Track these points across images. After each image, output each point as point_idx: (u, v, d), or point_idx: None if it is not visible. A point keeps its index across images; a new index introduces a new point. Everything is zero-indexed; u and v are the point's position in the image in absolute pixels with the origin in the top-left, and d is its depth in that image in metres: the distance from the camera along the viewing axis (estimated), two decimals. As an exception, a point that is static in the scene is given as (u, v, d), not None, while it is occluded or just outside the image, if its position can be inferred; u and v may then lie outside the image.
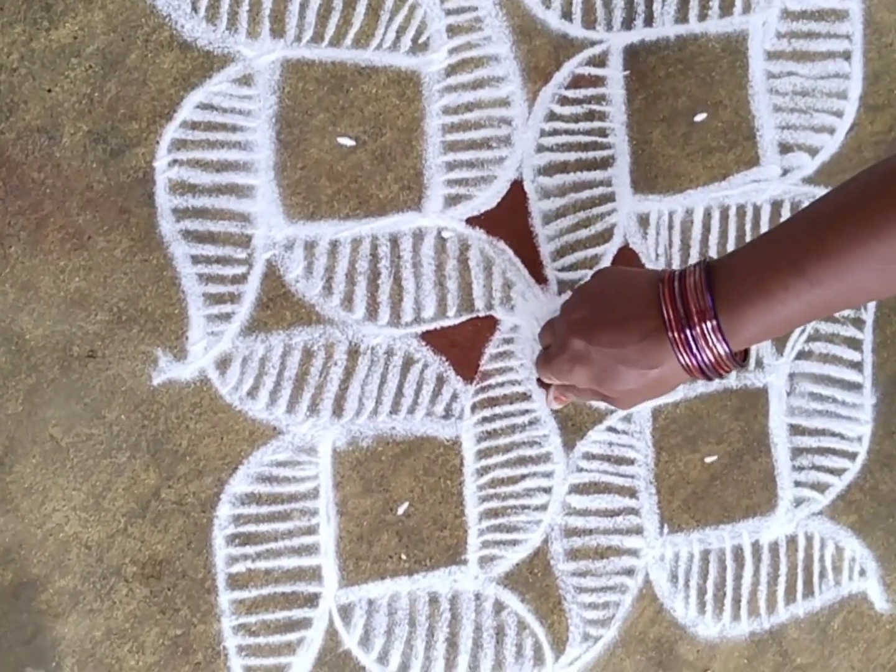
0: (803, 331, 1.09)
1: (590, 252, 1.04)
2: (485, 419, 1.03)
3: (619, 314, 0.80)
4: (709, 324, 0.74)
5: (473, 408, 1.02)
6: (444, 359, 1.01)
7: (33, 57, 0.91)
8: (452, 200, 1.01)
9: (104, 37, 0.93)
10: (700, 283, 0.76)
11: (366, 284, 0.99)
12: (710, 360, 0.76)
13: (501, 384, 1.03)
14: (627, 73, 1.04)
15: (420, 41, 0.99)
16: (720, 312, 0.74)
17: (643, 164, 1.05)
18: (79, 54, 0.92)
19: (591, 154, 1.04)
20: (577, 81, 1.03)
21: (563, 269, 1.03)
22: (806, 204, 1.07)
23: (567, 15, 1.02)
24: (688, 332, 0.75)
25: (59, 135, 0.92)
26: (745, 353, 0.82)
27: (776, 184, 1.07)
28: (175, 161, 0.95)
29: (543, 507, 1.04)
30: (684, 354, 0.77)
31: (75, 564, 0.95)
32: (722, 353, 0.76)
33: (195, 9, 0.94)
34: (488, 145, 1.01)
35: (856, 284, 0.70)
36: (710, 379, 0.79)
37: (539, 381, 1.03)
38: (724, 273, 0.76)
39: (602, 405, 1.05)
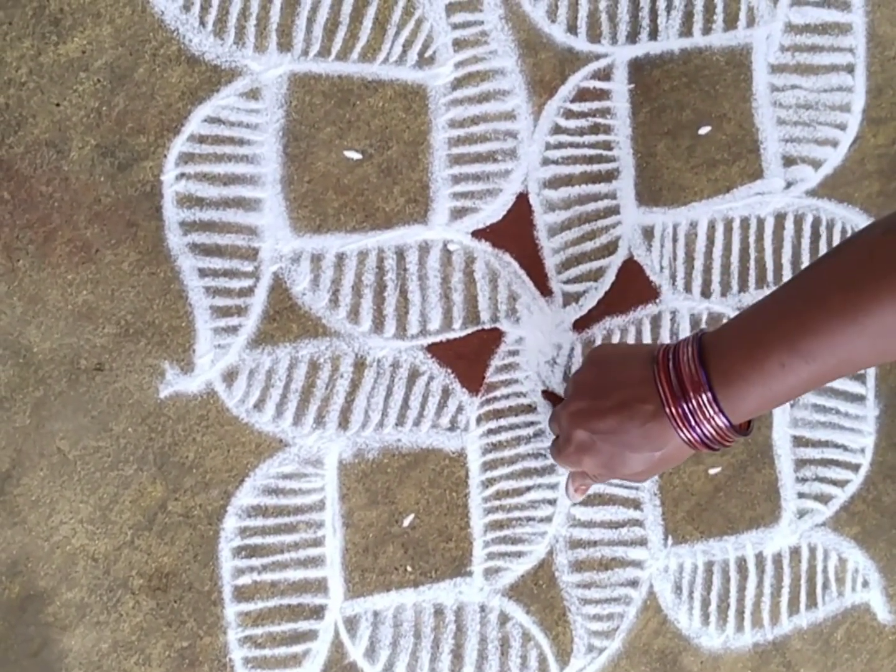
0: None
1: (595, 264, 1.04)
2: (490, 431, 1.03)
3: (617, 400, 0.81)
4: (704, 396, 0.75)
5: (479, 420, 1.03)
6: (449, 371, 1.01)
7: (42, 71, 0.92)
8: (458, 213, 1.01)
9: (112, 51, 0.93)
10: (693, 357, 0.76)
11: (372, 297, 0.99)
12: (710, 433, 0.77)
13: (506, 396, 1.03)
14: (632, 86, 1.04)
15: (426, 55, 0.99)
16: (715, 386, 0.75)
17: (648, 176, 1.05)
18: (87, 68, 0.92)
19: (595, 167, 1.04)
20: (582, 95, 1.03)
21: (568, 282, 1.04)
22: (810, 217, 1.08)
23: (572, 29, 1.03)
24: (684, 406, 0.76)
25: (67, 148, 0.92)
26: (749, 423, 0.82)
27: (780, 196, 1.08)
28: (182, 174, 0.95)
29: (548, 519, 1.05)
30: (684, 430, 0.77)
31: (82, 577, 0.95)
32: (721, 425, 0.76)
33: (203, 23, 0.94)
34: (494, 158, 1.02)
35: (849, 358, 0.70)
36: (715, 450, 0.80)
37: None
38: (717, 349, 0.76)
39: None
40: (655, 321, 1.06)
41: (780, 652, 1.11)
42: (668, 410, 0.77)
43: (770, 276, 1.08)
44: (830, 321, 0.69)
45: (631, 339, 1.06)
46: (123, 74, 0.93)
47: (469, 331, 1.02)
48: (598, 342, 1.05)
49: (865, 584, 1.13)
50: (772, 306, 0.76)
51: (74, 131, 0.93)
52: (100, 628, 0.96)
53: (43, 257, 0.92)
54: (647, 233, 1.05)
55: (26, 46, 0.91)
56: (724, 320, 1.05)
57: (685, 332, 1.06)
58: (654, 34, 1.04)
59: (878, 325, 0.67)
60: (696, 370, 0.75)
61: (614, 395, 0.81)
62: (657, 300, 1.06)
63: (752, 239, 1.07)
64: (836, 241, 1.09)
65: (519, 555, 1.04)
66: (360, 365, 1.00)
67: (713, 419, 0.75)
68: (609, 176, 1.04)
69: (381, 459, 1.01)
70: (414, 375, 1.01)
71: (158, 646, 0.97)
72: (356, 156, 0.99)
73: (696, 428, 0.76)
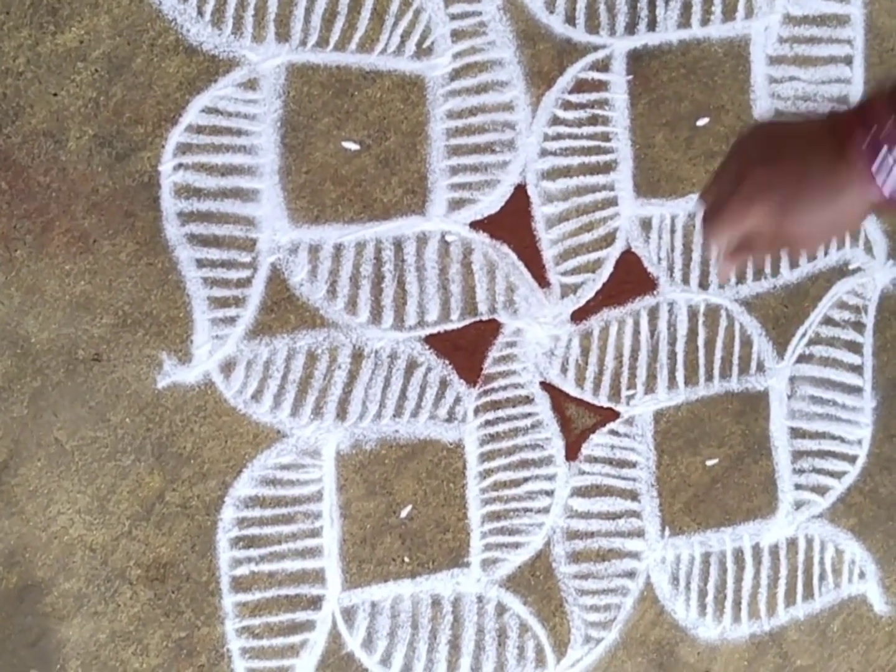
0: (804, 334, 1.09)
1: (592, 256, 1.04)
2: (488, 422, 1.03)
3: (797, 147, 0.75)
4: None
5: (476, 411, 1.03)
6: (447, 362, 1.02)
7: (39, 61, 0.91)
8: (456, 204, 1.01)
9: (110, 41, 0.93)
10: (888, 106, 0.72)
11: (370, 288, 0.99)
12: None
13: (504, 387, 1.03)
14: (630, 77, 1.04)
15: (424, 45, 0.99)
16: None
17: (646, 168, 1.05)
18: (85, 58, 0.92)
19: (594, 158, 1.04)
20: (580, 86, 1.03)
21: (565, 273, 1.04)
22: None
23: (571, 20, 1.02)
24: (883, 152, 0.68)
25: (64, 139, 0.92)
26: None
27: (778, 188, 1.08)
28: (180, 165, 0.95)
29: (545, 510, 1.05)
30: (873, 181, 0.70)
31: (80, 567, 0.95)
32: None
33: (201, 13, 0.94)
34: (492, 149, 1.01)
35: None
36: (892, 209, 0.75)
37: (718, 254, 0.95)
38: None
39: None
40: (653, 312, 1.06)
41: (776, 643, 1.11)
42: (861, 160, 0.69)
43: (767, 268, 1.08)
44: None
45: (628, 331, 1.06)
46: (121, 64, 0.93)
47: (467, 322, 1.02)
48: (596, 334, 1.05)
49: (862, 575, 1.14)
50: None
51: (72, 121, 0.92)
52: (97, 618, 0.96)
53: (41, 247, 0.92)
54: (645, 224, 1.05)
55: (24, 36, 0.91)
56: (722, 312, 1.06)
57: (683, 324, 1.06)
58: (652, 25, 1.04)
59: None
60: (894, 116, 0.71)
61: (792, 144, 0.75)
62: (655, 291, 1.06)
63: (749, 230, 1.07)
64: (834, 232, 1.09)
65: (516, 546, 1.04)
66: (357, 356, 1.00)
67: None
68: (607, 167, 1.04)
69: (378, 450, 1.01)
70: (412, 366, 1.01)
71: (156, 636, 0.97)
72: (354, 146, 0.99)
73: (888, 177, 0.71)
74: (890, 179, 0.70)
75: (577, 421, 1.05)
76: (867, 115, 0.72)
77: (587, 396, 1.05)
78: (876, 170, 0.71)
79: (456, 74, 1.00)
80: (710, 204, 0.81)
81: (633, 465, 1.07)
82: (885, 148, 0.69)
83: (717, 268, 0.93)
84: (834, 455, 1.12)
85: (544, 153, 1.03)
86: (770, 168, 0.74)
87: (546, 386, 1.04)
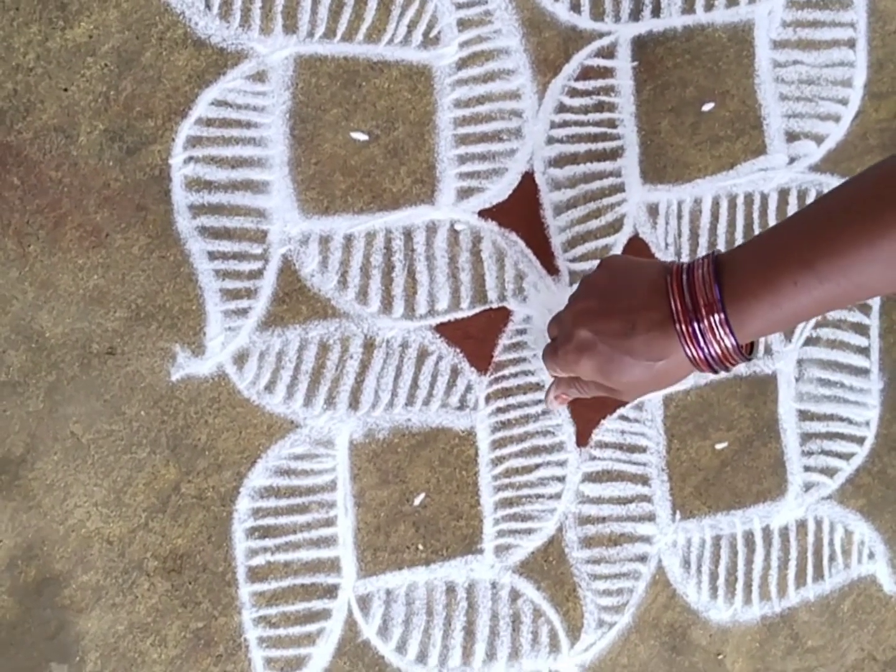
0: (811, 317, 1.10)
1: (600, 242, 1.05)
2: (499, 409, 1.04)
3: (626, 304, 0.80)
4: (716, 317, 0.74)
5: (488, 398, 1.03)
6: (458, 350, 1.02)
7: (49, 56, 0.92)
8: (465, 193, 1.01)
9: (119, 35, 0.93)
10: (708, 275, 0.75)
11: (380, 278, 1.00)
12: (716, 353, 0.76)
13: (515, 375, 1.04)
14: (636, 63, 1.04)
15: (431, 35, 0.99)
16: (728, 305, 0.74)
17: (652, 154, 1.05)
18: (94, 53, 0.93)
19: (600, 145, 1.04)
20: (586, 73, 1.03)
21: (574, 260, 1.04)
22: (813, 192, 1.08)
23: (576, 7, 1.03)
24: (695, 324, 0.75)
25: (75, 133, 0.93)
26: (751, 346, 0.81)
27: (783, 172, 1.08)
28: (191, 158, 0.95)
29: (557, 496, 1.05)
30: (691, 347, 0.76)
31: (97, 560, 0.96)
32: (729, 346, 0.75)
33: (208, 6, 0.95)
34: (499, 138, 1.02)
35: (862, 282, 0.70)
36: (715, 372, 0.79)
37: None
38: (732, 266, 0.75)
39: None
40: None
41: (787, 624, 1.12)
42: (678, 327, 0.76)
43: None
44: (846, 243, 0.68)
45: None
46: (130, 58, 0.93)
47: (477, 310, 1.02)
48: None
49: (871, 555, 1.14)
50: (788, 228, 0.75)
51: (83, 116, 0.93)
52: (116, 610, 0.97)
53: (53, 242, 0.93)
54: (652, 210, 1.06)
55: (33, 32, 0.91)
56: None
57: (691, 308, 1.07)
58: (656, 11, 1.04)
59: (891, 252, 0.67)
60: (711, 289, 0.74)
61: (623, 300, 0.80)
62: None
63: (755, 215, 1.08)
64: (840, 215, 1.09)
65: (529, 532, 1.05)
66: (369, 346, 1.00)
67: (722, 340, 0.75)
68: (614, 154, 1.05)
69: (391, 439, 1.01)
70: (423, 355, 1.01)
71: (174, 627, 0.98)
72: (363, 137, 0.99)
73: (704, 347, 0.75)
74: (703, 346, 0.77)
75: (587, 407, 1.06)
76: (688, 285, 0.77)
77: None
78: (691, 335, 0.77)
79: (463, 63, 1.01)
80: (552, 341, 0.90)
81: (644, 449, 1.07)
82: (699, 321, 0.75)
83: (547, 399, 0.97)
84: (842, 437, 1.12)
85: (551, 141, 1.03)
86: (595, 331, 0.80)
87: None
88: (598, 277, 0.86)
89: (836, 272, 0.70)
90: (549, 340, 1.01)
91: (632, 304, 0.79)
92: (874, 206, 0.69)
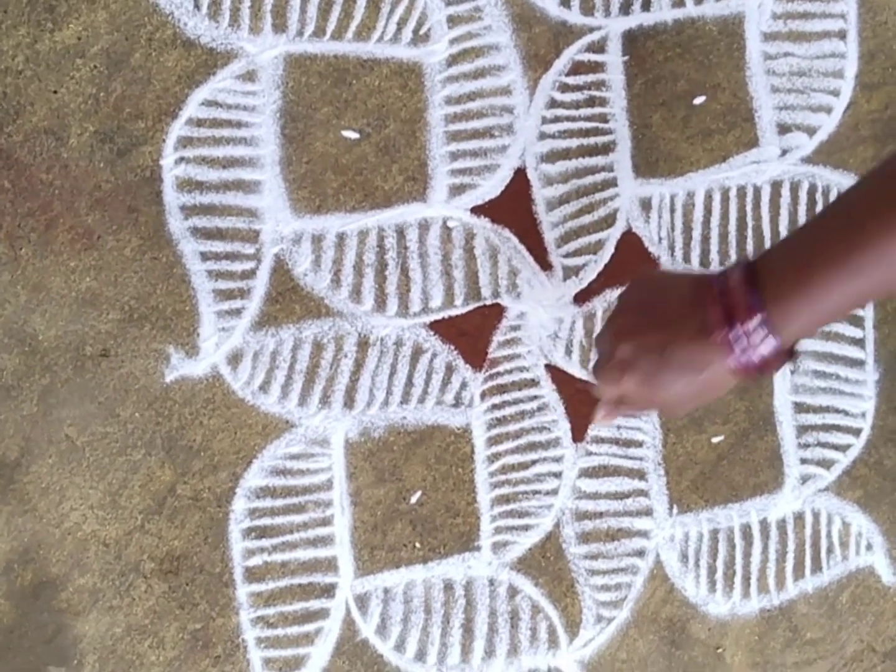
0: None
1: (594, 237, 1.04)
2: (494, 406, 1.03)
3: (664, 318, 0.78)
4: (756, 319, 0.72)
5: (483, 395, 1.03)
6: (452, 348, 1.02)
7: (38, 59, 0.91)
8: (457, 190, 1.01)
9: (108, 37, 0.93)
10: (743, 280, 0.74)
11: (373, 276, 1.00)
12: (759, 357, 0.73)
13: (510, 371, 1.04)
14: (626, 58, 1.04)
15: (421, 32, 0.99)
16: (767, 307, 0.72)
17: (644, 148, 1.05)
18: (83, 55, 0.92)
19: (592, 140, 1.04)
20: (576, 68, 1.03)
21: (567, 255, 1.04)
22: (806, 184, 1.08)
23: (565, 2, 1.03)
24: (735, 330, 0.73)
25: (66, 136, 0.92)
26: (793, 350, 0.80)
27: (775, 164, 1.08)
28: (182, 159, 0.95)
29: (554, 492, 1.05)
30: (732, 356, 0.74)
31: (94, 562, 0.96)
32: (770, 349, 0.73)
33: (197, 6, 0.94)
34: (491, 134, 1.02)
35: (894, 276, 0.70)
36: (757, 378, 0.78)
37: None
38: (767, 269, 0.74)
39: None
40: (655, 291, 1.06)
41: (786, 616, 1.12)
42: (718, 336, 0.73)
43: (768, 244, 1.08)
44: (879, 230, 0.67)
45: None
46: (120, 60, 0.93)
47: (471, 307, 1.02)
48: (599, 315, 1.05)
49: (869, 547, 1.14)
50: (819, 225, 0.74)
51: (73, 118, 0.93)
52: (113, 613, 0.96)
53: (45, 245, 0.92)
54: (645, 204, 1.05)
55: (22, 34, 0.91)
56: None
57: (685, 302, 1.06)
58: (646, 5, 1.04)
59: None
60: (747, 292, 0.73)
61: (661, 314, 0.79)
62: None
63: (748, 207, 1.08)
64: (833, 207, 1.09)
65: (526, 528, 1.05)
66: (363, 344, 1.00)
67: (763, 343, 0.72)
68: (606, 149, 1.04)
69: (386, 437, 1.01)
70: (417, 353, 1.01)
71: (172, 628, 0.98)
72: (354, 135, 0.99)
73: (746, 353, 0.75)
74: (745, 353, 0.74)
75: (583, 402, 1.05)
76: (724, 292, 0.75)
77: (593, 378, 1.05)
78: (732, 342, 0.74)
79: (453, 60, 1.00)
80: (597, 360, 0.87)
81: (640, 444, 1.07)
82: (738, 326, 0.73)
83: (596, 417, 0.96)
84: (838, 428, 1.12)
85: (543, 136, 1.03)
86: (635, 345, 0.79)
87: (551, 368, 1.04)
88: (633, 294, 0.85)
89: (868, 266, 0.69)
90: (545, 335, 1.01)
91: (669, 317, 0.78)
92: None
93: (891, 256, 0.69)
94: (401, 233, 1.00)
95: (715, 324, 0.74)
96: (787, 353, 0.77)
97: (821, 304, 0.72)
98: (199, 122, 0.95)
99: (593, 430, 1.03)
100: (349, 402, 1.00)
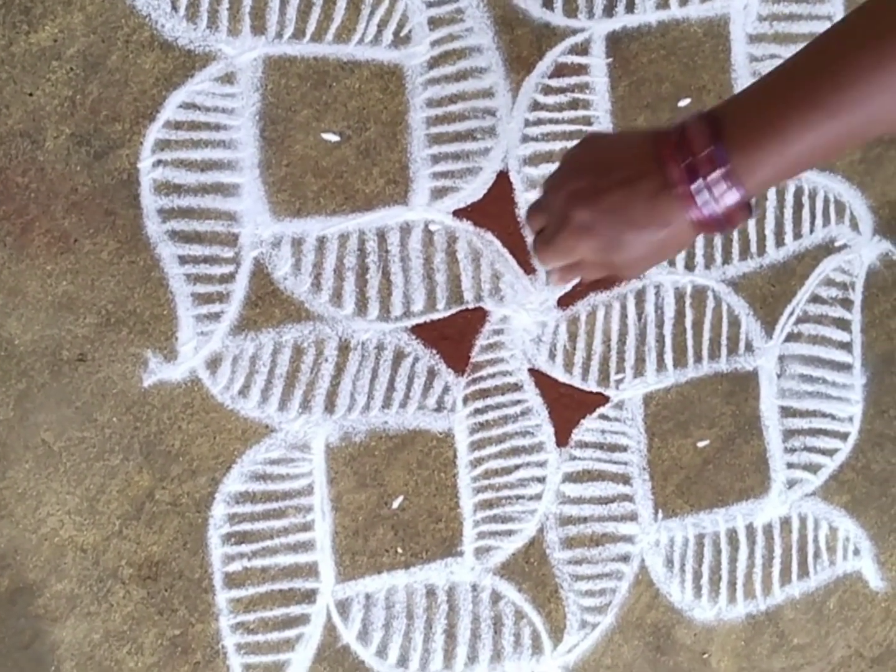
0: (791, 313, 1.09)
1: (577, 241, 1.03)
2: (477, 411, 1.03)
3: (621, 175, 0.73)
4: (719, 171, 0.69)
5: (465, 400, 1.03)
6: (434, 352, 1.01)
7: (13, 61, 0.91)
8: (439, 193, 1.00)
9: (84, 39, 0.92)
10: (704, 131, 0.72)
11: (354, 280, 0.99)
12: (723, 210, 0.69)
13: (493, 375, 1.03)
14: (610, 60, 1.04)
15: (402, 34, 0.99)
16: (732, 158, 0.68)
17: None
18: (59, 57, 0.92)
19: (575, 143, 1.03)
20: (560, 70, 1.03)
21: (550, 259, 1.03)
22: (791, 187, 1.07)
23: (548, 4, 1.02)
24: (699, 182, 0.69)
25: (41, 138, 0.92)
26: (750, 204, 0.77)
27: (761, 167, 1.07)
28: (159, 161, 0.94)
29: (538, 497, 1.05)
30: (695, 208, 0.70)
31: (71, 568, 0.95)
32: (736, 200, 0.69)
33: (175, 8, 0.94)
34: (473, 137, 1.01)
35: (874, 113, 0.66)
36: (721, 232, 0.75)
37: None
38: (730, 116, 0.70)
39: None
40: (640, 295, 1.05)
41: (773, 622, 1.11)
42: (678, 190, 0.69)
43: (753, 248, 1.07)
44: (854, 72, 0.64)
45: (615, 315, 1.05)
46: (96, 62, 0.93)
47: (453, 311, 1.01)
48: (583, 319, 1.04)
49: (857, 552, 1.14)
50: (787, 70, 0.70)
51: (49, 121, 0.92)
52: (91, 619, 0.96)
53: (21, 249, 0.92)
54: (630, 207, 1.05)
55: (-3, 36, 0.91)
56: (709, 293, 1.06)
57: (670, 306, 1.06)
58: (630, 7, 1.04)
59: None
60: (708, 143, 0.71)
61: (616, 171, 0.74)
62: (641, 275, 1.05)
63: (734, 211, 1.07)
64: (819, 210, 1.09)
65: (509, 533, 1.04)
66: (344, 348, 0.99)
67: (727, 195, 0.71)
68: (589, 151, 1.04)
69: (368, 442, 1.01)
70: (399, 357, 1.01)
71: (150, 634, 0.97)
72: (334, 138, 0.98)
73: (709, 206, 0.72)
74: (707, 205, 0.70)
75: (567, 407, 1.05)
76: (683, 144, 0.72)
77: (576, 382, 1.05)
78: (695, 195, 0.71)
79: (434, 62, 1.00)
80: (539, 231, 0.81)
81: (625, 448, 1.07)
82: (700, 179, 0.70)
83: (548, 281, 0.94)
84: (825, 433, 1.12)
85: (526, 139, 1.03)
86: (592, 208, 0.74)
87: (534, 372, 1.04)
88: (581, 153, 0.79)
89: (846, 105, 0.66)
90: (528, 339, 1.00)
91: (627, 173, 0.73)
92: (882, 32, 0.65)
93: (867, 98, 0.66)
94: (382, 236, 1.00)
95: (676, 177, 0.70)
96: (748, 208, 0.75)
97: (792, 147, 0.69)
98: (177, 125, 0.94)
99: (554, 285, 1.02)
100: (330, 406, 0.99)
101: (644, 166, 0.73)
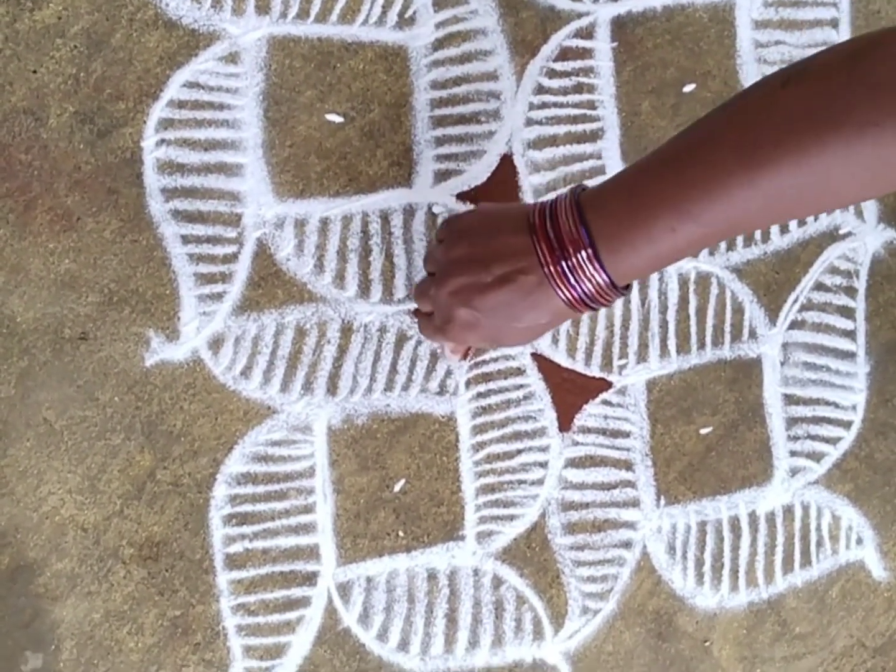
0: (795, 301, 1.09)
1: (581, 225, 1.03)
2: (479, 395, 1.03)
3: (499, 273, 0.77)
4: (584, 253, 0.71)
5: (468, 383, 1.02)
6: (437, 335, 1.01)
7: (17, 38, 0.91)
8: (442, 176, 1.00)
9: (88, 16, 0.92)
10: (572, 215, 0.72)
11: (357, 262, 0.99)
12: (589, 290, 0.73)
13: (495, 359, 1.03)
14: (615, 44, 1.03)
15: (406, 15, 0.98)
16: (600, 247, 0.71)
17: (633, 136, 1.04)
18: (63, 34, 0.92)
19: (580, 127, 1.03)
20: (564, 54, 1.02)
21: (554, 243, 1.03)
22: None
23: (553, -13, 1.02)
24: (563, 263, 0.73)
25: (45, 116, 0.92)
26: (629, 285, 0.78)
27: (766, 153, 1.07)
28: (163, 140, 0.94)
29: (540, 482, 1.04)
30: (564, 289, 0.74)
31: (72, 547, 0.95)
32: (601, 282, 0.72)
33: (179, -13, 0.94)
34: (477, 119, 1.01)
35: (742, 219, 0.66)
36: (594, 309, 0.77)
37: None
38: (599, 210, 0.72)
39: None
40: (643, 281, 1.05)
41: (775, 610, 1.11)
42: (546, 270, 0.73)
43: (758, 234, 1.07)
44: (723, 181, 0.65)
45: (619, 302, 1.05)
46: (100, 40, 0.93)
47: (456, 294, 1.01)
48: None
49: (859, 541, 1.13)
50: (658, 166, 0.72)
51: (52, 98, 0.92)
52: (91, 598, 0.96)
53: (23, 226, 0.92)
54: (633, 192, 1.04)
55: (1, 13, 0.91)
56: (713, 280, 1.05)
57: (674, 292, 1.06)
58: (636, -9, 1.04)
59: (774, 187, 0.64)
60: (577, 228, 0.71)
61: (494, 268, 0.77)
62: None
63: (738, 197, 1.07)
64: (824, 196, 1.08)
65: (511, 518, 1.04)
66: (346, 330, 0.99)
67: (593, 277, 0.72)
68: (594, 136, 1.04)
69: (370, 425, 1.01)
70: (401, 340, 1.01)
71: (151, 615, 0.97)
72: (338, 119, 0.98)
73: (576, 286, 0.73)
74: (576, 286, 0.74)
75: (570, 392, 1.05)
76: (553, 227, 0.75)
77: (579, 367, 1.05)
78: (563, 275, 0.74)
79: (439, 44, 1.00)
80: (425, 311, 0.90)
81: (627, 434, 1.06)
82: (567, 260, 0.74)
83: (445, 354, 1.01)
84: (829, 421, 1.11)
85: (530, 122, 1.02)
86: (477, 308, 0.79)
87: (537, 357, 1.04)
88: (458, 249, 0.83)
89: (716, 213, 0.66)
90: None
91: (504, 271, 0.77)
92: (750, 140, 0.64)
93: (735, 208, 0.67)
94: (385, 218, 0.99)
95: (544, 258, 0.74)
96: (625, 287, 0.76)
97: (660, 249, 0.70)
98: (181, 104, 0.94)
99: (450, 362, 1.03)
100: (332, 388, 0.99)
101: (520, 259, 0.76)
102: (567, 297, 0.75)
